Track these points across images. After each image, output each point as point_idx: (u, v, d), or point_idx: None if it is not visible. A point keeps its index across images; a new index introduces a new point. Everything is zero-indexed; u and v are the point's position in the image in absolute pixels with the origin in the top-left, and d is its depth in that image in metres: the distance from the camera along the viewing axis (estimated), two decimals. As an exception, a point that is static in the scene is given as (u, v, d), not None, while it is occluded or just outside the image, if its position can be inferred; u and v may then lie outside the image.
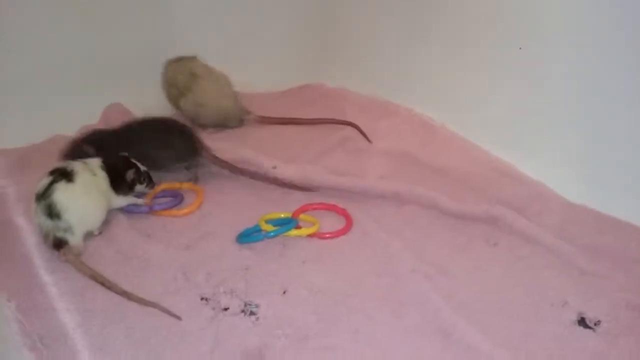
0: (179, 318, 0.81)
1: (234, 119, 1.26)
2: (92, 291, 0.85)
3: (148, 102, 1.24)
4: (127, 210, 1.00)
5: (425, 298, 0.85)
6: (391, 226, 0.99)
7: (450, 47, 1.20)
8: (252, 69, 1.35)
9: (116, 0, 1.24)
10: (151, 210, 1.01)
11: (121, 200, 0.98)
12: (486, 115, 1.17)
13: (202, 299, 0.85)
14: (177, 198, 1.04)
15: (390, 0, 1.28)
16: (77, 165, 0.93)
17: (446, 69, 1.21)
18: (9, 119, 1.14)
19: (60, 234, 0.88)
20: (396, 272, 0.90)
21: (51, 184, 0.89)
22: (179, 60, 1.26)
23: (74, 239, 0.89)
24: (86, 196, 0.91)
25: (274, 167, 1.07)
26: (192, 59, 1.26)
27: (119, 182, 0.97)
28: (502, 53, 1.12)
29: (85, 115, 1.22)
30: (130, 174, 0.98)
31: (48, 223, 0.88)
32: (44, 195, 0.89)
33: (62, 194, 0.89)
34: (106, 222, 0.96)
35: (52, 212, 0.88)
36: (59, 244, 0.88)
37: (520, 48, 1.09)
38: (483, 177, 1.09)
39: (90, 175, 0.94)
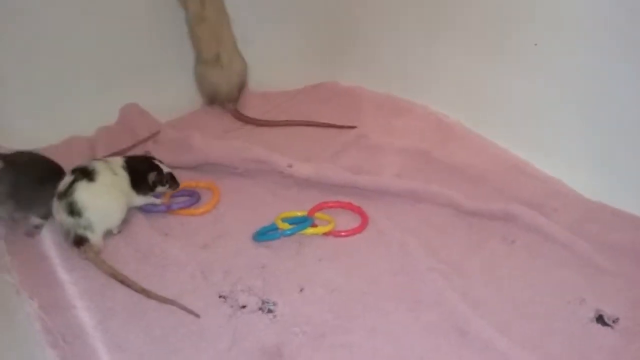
0: (197, 315, 0.82)
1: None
2: (112, 289, 0.86)
3: (166, 102, 1.25)
4: (145, 210, 1.01)
5: (441, 296, 0.85)
6: (407, 224, 1.00)
7: (466, 44, 1.19)
8: (266, 67, 1.35)
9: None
10: (169, 209, 1.02)
11: (141, 200, 1.00)
12: (502, 112, 1.16)
13: (220, 296, 0.86)
14: (194, 197, 1.05)
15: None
16: (98, 165, 0.95)
17: (461, 66, 1.21)
18: (26, 121, 1.15)
19: (80, 232, 0.90)
20: (412, 271, 0.90)
21: (73, 182, 0.91)
22: None
23: (94, 237, 0.91)
24: (107, 195, 0.93)
25: (290, 166, 1.08)
26: None
27: (140, 182, 0.98)
28: (518, 50, 1.12)
29: (102, 116, 1.23)
30: (152, 176, 0.99)
31: (69, 220, 0.90)
32: (65, 194, 0.91)
33: (84, 192, 0.91)
34: (125, 221, 0.97)
35: (73, 210, 0.90)
36: (79, 242, 0.90)
37: (535, 44, 1.08)
38: (500, 175, 1.09)
39: (112, 175, 0.95)
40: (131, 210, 1.00)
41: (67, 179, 0.92)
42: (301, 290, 0.88)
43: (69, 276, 0.89)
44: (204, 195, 1.06)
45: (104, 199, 0.93)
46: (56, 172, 0.96)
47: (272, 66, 1.37)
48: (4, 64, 1.12)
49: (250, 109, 1.31)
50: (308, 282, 0.89)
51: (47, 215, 0.95)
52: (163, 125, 1.23)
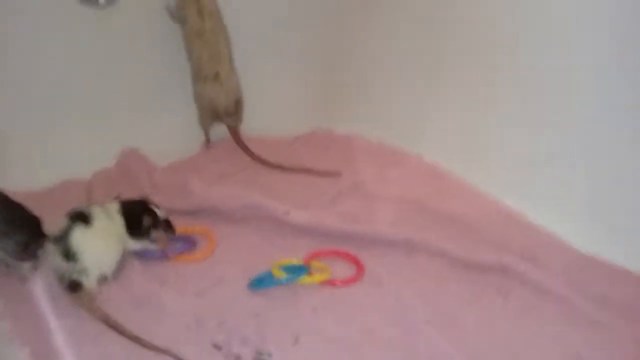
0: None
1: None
2: (105, 337, 0.85)
3: (165, 145, 1.26)
4: (140, 255, 1.01)
5: (437, 349, 0.85)
6: (402, 275, 1.00)
7: (460, 93, 1.22)
8: (262, 113, 1.37)
9: (136, 39, 1.27)
10: (164, 256, 1.02)
11: (136, 244, 0.99)
12: (495, 163, 1.19)
13: (214, 346, 0.85)
14: (189, 243, 1.05)
15: (401, 47, 1.30)
16: (94, 209, 0.95)
17: (455, 115, 1.23)
18: (21, 162, 1.16)
19: (75, 277, 0.90)
20: (408, 322, 0.90)
21: (69, 226, 0.91)
22: None
23: (89, 282, 0.90)
24: (103, 240, 0.93)
25: (287, 213, 1.09)
26: None
27: (135, 227, 0.98)
28: (510, 102, 1.15)
29: (99, 158, 1.24)
30: (146, 221, 0.98)
31: (64, 265, 0.90)
32: (61, 238, 0.90)
33: (80, 236, 0.91)
34: (120, 267, 0.97)
35: (68, 254, 0.90)
36: (74, 287, 0.89)
37: (526, 96, 1.11)
38: (494, 225, 1.10)
39: (107, 220, 0.95)
40: (127, 257, 0.99)
41: (62, 223, 0.92)
42: (296, 340, 0.87)
43: (61, 322, 0.87)
44: (200, 241, 1.06)
45: (99, 243, 0.92)
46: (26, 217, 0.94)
47: (268, 113, 1.39)
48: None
49: (246, 156, 1.32)
50: (303, 332, 0.88)
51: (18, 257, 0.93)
52: (161, 169, 1.24)
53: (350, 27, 1.38)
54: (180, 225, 1.08)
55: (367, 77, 1.38)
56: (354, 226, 1.08)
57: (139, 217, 0.98)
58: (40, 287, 0.93)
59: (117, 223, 0.97)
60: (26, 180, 1.13)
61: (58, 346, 0.84)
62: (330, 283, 0.98)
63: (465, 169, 1.23)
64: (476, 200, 1.18)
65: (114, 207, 0.98)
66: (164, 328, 0.87)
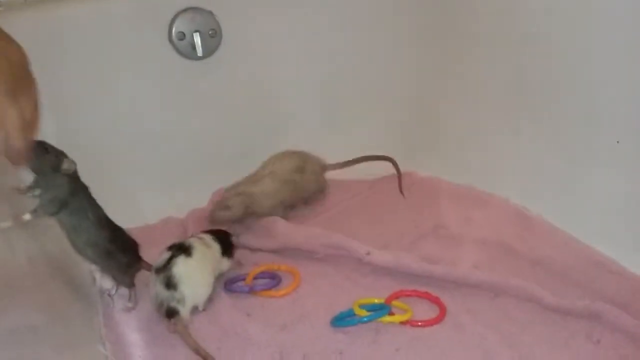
0: None
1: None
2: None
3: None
4: (229, 289, 1.06)
5: (524, 395, 0.83)
6: (486, 318, 0.98)
7: (548, 138, 1.21)
8: (342, 156, 1.40)
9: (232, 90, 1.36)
10: (251, 290, 1.06)
11: (228, 263, 1.09)
12: (585, 207, 1.15)
13: (298, 380, 0.87)
14: (275, 279, 1.09)
15: (486, 90, 1.32)
16: (194, 241, 1.03)
17: (542, 159, 1.21)
18: (124, 201, 1.25)
19: (173, 304, 0.96)
20: (492, 366, 0.88)
21: (171, 257, 0.99)
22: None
23: (184, 310, 0.97)
24: (201, 271, 1.01)
25: (368, 254, 1.10)
26: None
27: (227, 247, 1.09)
28: (600, 145, 1.12)
29: (194, 199, 1.32)
30: (234, 239, 1.12)
31: (164, 293, 0.96)
32: (164, 268, 0.98)
33: (182, 267, 0.98)
34: (209, 300, 1.02)
35: (170, 283, 0.97)
36: (171, 314, 0.96)
37: (617, 142, 1.09)
38: (583, 271, 1.06)
39: (205, 248, 1.04)
40: (216, 291, 1.05)
41: (165, 255, 0.99)
42: (378, 379, 0.87)
43: (156, 350, 0.93)
44: (285, 278, 1.10)
45: (198, 274, 1.00)
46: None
47: (351, 155, 1.43)
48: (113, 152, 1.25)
49: (330, 197, 1.35)
50: (386, 371, 0.89)
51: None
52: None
53: (432, 70, 1.41)
54: (267, 262, 1.14)
55: (450, 119, 1.40)
56: (435, 267, 1.07)
57: (228, 239, 1.10)
58: (139, 317, 1.00)
59: (214, 248, 1.06)
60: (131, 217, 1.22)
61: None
62: (412, 323, 0.98)
63: (553, 213, 1.20)
64: (565, 244, 1.14)
65: (208, 236, 1.07)
66: (249, 357, 0.90)
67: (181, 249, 1.00)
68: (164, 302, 0.96)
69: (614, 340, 0.92)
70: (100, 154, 1.23)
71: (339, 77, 1.44)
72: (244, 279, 1.09)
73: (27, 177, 0.90)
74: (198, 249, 1.02)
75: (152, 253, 1.02)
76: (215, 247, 1.06)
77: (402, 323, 0.98)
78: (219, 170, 1.34)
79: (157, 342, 0.95)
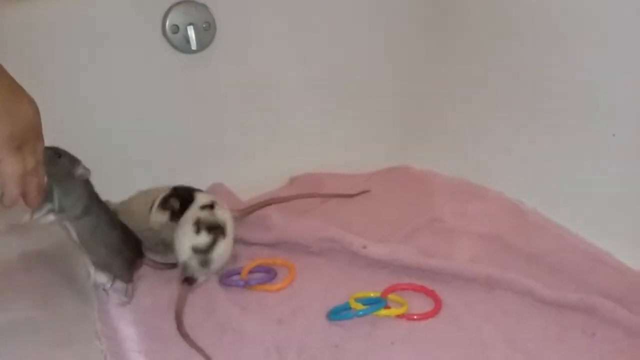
0: None
1: None
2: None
3: (248, 180, 1.31)
4: (224, 284, 1.06)
5: (519, 388, 0.83)
6: (482, 311, 0.98)
7: (543, 132, 1.21)
8: (337, 150, 1.41)
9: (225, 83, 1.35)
10: (246, 285, 1.06)
11: None
12: (580, 201, 1.15)
13: (293, 374, 0.87)
14: (270, 273, 1.09)
15: (482, 83, 1.31)
16: (224, 216, 1.05)
17: (538, 153, 1.22)
18: (121, 196, 1.24)
19: (198, 276, 1.01)
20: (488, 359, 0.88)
21: (214, 240, 1.01)
22: None
23: (201, 280, 1.02)
24: (228, 245, 1.04)
25: (364, 247, 1.10)
26: None
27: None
28: (596, 139, 1.12)
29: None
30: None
31: (198, 269, 1.00)
32: (205, 251, 1.00)
33: (220, 250, 1.02)
34: (205, 294, 1.02)
35: (206, 263, 1.00)
36: (191, 282, 1.00)
37: (613, 135, 1.09)
38: (579, 265, 1.06)
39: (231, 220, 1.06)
40: (211, 284, 1.04)
41: (206, 238, 1.01)
42: (374, 373, 0.88)
43: (150, 351, 0.92)
44: (281, 272, 1.10)
45: (228, 249, 1.04)
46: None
47: (344, 149, 1.43)
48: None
49: (325, 191, 1.35)
50: (382, 364, 0.89)
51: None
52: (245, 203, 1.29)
53: (428, 63, 1.41)
54: (262, 256, 1.13)
55: (446, 114, 1.39)
56: (431, 261, 1.07)
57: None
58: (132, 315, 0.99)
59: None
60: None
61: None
62: (407, 317, 0.98)
63: (548, 206, 1.20)
64: (561, 238, 1.14)
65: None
66: (245, 352, 0.90)
67: (219, 230, 1.02)
68: (194, 274, 1.00)
69: (609, 334, 0.93)
70: (94, 148, 1.21)
71: (334, 70, 1.43)
72: (239, 273, 1.08)
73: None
74: (228, 223, 1.04)
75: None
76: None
77: (398, 316, 0.98)
78: (214, 163, 1.33)
79: (154, 337, 0.94)
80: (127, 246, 0.99)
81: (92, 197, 0.93)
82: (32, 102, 0.77)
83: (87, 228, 0.93)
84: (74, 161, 0.90)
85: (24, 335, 0.84)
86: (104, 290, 1.01)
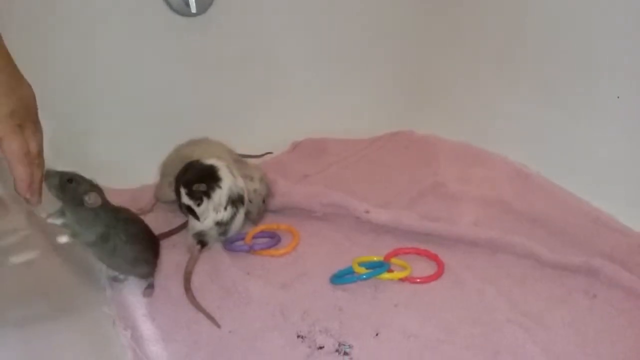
0: (218, 326, 0.89)
1: None
2: (197, 325, 0.90)
3: (251, 145, 1.31)
4: (228, 249, 1.06)
5: (521, 349, 0.84)
6: (485, 274, 0.99)
7: (547, 95, 1.20)
8: (340, 115, 1.40)
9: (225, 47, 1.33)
10: (251, 250, 1.06)
11: None
12: (584, 164, 1.15)
13: (298, 336, 0.88)
14: (275, 239, 1.09)
15: (485, 48, 1.30)
16: (241, 184, 1.09)
17: (542, 117, 1.21)
18: (121, 162, 1.24)
19: (211, 242, 1.06)
20: (491, 321, 0.89)
21: (235, 212, 1.06)
22: None
23: (211, 243, 1.06)
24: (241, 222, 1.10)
25: (367, 212, 1.11)
26: None
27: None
28: (600, 101, 1.11)
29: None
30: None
31: (215, 235, 1.06)
32: (227, 223, 1.06)
33: (239, 221, 1.08)
34: (210, 259, 1.03)
35: (225, 232, 1.06)
36: (204, 244, 1.05)
37: (618, 97, 1.08)
38: (582, 228, 1.07)
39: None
40: (216, 250, 1.06)
41: (230, 211, 1.05)
42: (377, 335, 0.89)
43: (157, 314, 0.93)
44: (285, 237, 1.10)
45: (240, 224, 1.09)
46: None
47: (348, 114, 1.42)
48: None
49: (332, 155, 1.35)
50: (384, 326, 0.90)
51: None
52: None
53: (430, 28, 1.39)
54: (266, 222, 1.14)
55: (449, 78, 1.38)
56: (435, 225, 1.08)
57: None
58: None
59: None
60: (126, 180, 1.22)
61: (155, 332, 0.90)
62: (410, 280, 0.99)
63: (552, 170, 1.21)
64: (564, 201, 1.15)
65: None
66: (250, 316, 0.91)
67: (240, 201, 1.07)
68: (209, 240, 1.05)
69: (611, 296, 0.94)
70: (93, 113, 1.22)
71: (336, 36, 1.41)
72: (243, 238, 1.09)
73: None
74: (244, 190, 1.08)
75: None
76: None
77: (401, 280, 0.99)
78: (214, 127, 1.32)
79: (161, 300, 0.95)
80: (147, 253, 0.95)
81: (110, 224, 0.88)
82: (30, 86, 0.77)
83: (105, 252, 0.91)
84: (84, 188, 0.85)
85: (33, 299, 0.85)
86: (116, 281, 0.98)
